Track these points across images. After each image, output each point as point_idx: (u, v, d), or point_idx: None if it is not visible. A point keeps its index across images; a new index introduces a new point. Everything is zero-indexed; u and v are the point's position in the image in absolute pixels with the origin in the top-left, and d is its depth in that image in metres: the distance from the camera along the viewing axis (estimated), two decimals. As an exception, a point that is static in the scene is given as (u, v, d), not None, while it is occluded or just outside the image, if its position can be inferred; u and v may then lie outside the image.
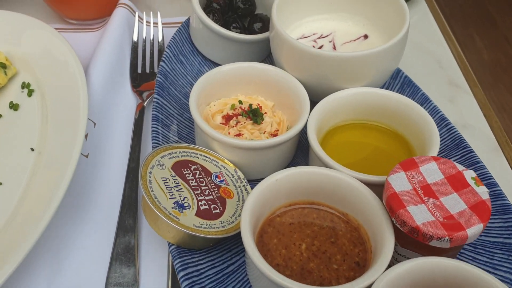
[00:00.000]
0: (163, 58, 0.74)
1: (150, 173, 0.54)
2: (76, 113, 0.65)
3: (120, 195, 0.63)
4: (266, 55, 0.79)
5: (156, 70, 0.79)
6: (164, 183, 0.54)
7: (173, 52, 0.76)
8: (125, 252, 0.57)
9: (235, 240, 0.56)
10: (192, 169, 0.57)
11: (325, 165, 0.54)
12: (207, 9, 0.75)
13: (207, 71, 0.76)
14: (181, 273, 0.51)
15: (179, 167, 0.57)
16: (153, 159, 0.56)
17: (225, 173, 0.59)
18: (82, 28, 0.88)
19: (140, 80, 0.78)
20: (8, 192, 0.61)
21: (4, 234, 0.56)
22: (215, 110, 0.65)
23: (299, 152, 0.67)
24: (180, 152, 0.59)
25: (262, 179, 0.52)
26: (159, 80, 0.70)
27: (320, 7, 0.74)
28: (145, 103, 0.74)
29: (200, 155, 0.59)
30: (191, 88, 0.69)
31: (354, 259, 0.50)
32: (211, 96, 0.66)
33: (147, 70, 0.79)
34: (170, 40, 0.77)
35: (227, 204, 0.55)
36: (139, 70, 0.79)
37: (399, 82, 0.73)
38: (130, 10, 0.85)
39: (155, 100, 0.68)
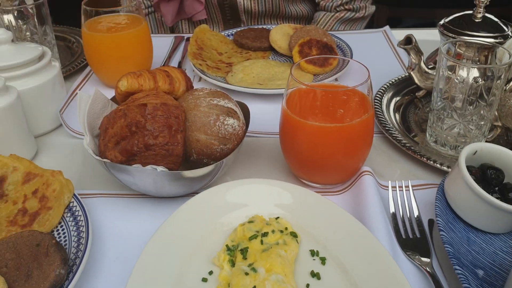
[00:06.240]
0: (440, 227, 0.80)
1: None
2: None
3: None
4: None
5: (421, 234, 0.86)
6: None
7: (444, 220, 0.83)
8: None
9: None
10: None
11: None
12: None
13: (473, 237, 0.83)
14: None
15: None
16: None
17: None
18: (324, 191, 0.97)
19: (409, 245, 0.84)
20: None
21: None
22: None
23: None
24: None
25: None
26: (449, 250, 0.77)
27: None
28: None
29: None
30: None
31: None
32: None
33: (410, 236, 0.86)
34: (436, 209, 0.84)
35: None
36: (403, 236, 0.86)
37: None
38: (374, 176, 0.95)
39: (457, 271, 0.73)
